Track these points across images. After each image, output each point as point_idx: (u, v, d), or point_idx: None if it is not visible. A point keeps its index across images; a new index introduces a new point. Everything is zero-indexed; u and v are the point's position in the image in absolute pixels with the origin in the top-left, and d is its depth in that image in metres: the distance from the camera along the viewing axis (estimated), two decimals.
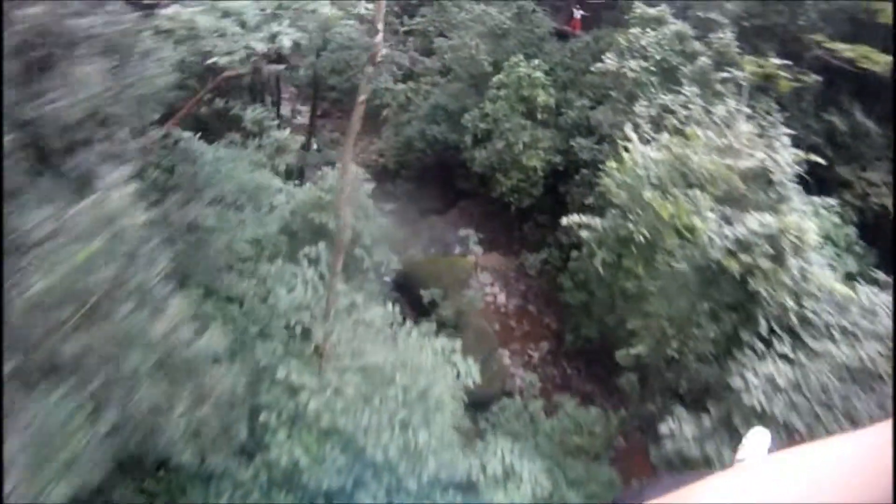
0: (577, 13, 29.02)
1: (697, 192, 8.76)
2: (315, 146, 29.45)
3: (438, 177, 29.48)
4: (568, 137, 24.23)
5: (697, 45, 16.82)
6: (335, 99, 35.15)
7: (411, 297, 24.01)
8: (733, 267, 8.02)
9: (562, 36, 28.32)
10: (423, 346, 10.74)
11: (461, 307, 21.29)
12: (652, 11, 19.00)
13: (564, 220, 11.04)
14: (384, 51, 21.11)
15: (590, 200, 19.54)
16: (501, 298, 24.70)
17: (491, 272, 26.20)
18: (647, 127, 15.54)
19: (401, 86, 30.67)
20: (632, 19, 21.64)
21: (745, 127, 10.76)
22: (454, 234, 27.72)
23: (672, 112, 15.34)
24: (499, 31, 26.56)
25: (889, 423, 0.72)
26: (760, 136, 10.72)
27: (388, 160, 30.79)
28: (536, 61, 24.45)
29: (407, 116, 29.73)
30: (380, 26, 8.42)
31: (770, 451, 1.92)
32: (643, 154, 9.29)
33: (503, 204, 24.96)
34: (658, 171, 9.21)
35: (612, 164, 9.06)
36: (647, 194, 8.70)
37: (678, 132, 11.22)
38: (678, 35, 16.83)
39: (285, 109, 34.70)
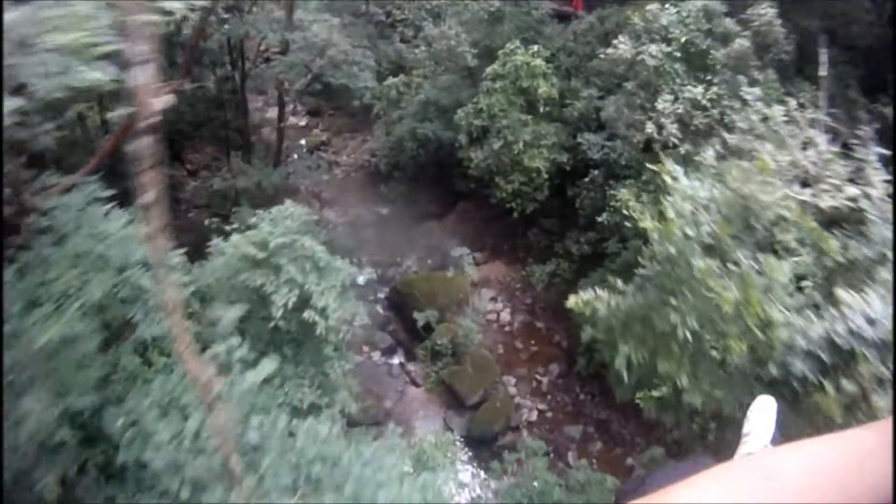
0: None
1: (773, 259, 5.57)
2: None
3: (435, 178, 26.15)
4: (574, 132, 20.72)
5: (730, 24, 13.26)
6: (326, 96, 31.90)
7: (405, 319, 20.99)
8: (826, 404, 4.89)
9: (562, 17, 24.57)
10: None
11: (458, 336, 18.17)
12: None
13: (570, 302, 7.72)
14: (345, 46, 17.75)
15: (603, 217, 16.18)
16: (506, 315, 21.55)
17: (494, 284, 23.03)
18: (672, 128, 12.13)
19: (391, 80, 27.24)
20: None
21: (823, 142, 7.45)
22: (452, 243, 24.52)
23: (704, 109, 11.93)
24: (490, 15, 22.92)
25: (888, 423, 0.68)
26: (843, 154, 7.40)
27: (381, 161, 27.49)
28: (535, 47, 20.83)
29: (398, 113, 26.33)
30: None
31: (777, 419, 1.76)
32: (691, 195, 6.03)
33: (506, 207, 21.65)
34: (712, 220, 5.99)
35: (645, 221, 5.84)
36: (699, 265, 5.53)
37: (728, 148, 7.85)
38: (706, 11, 13.29)
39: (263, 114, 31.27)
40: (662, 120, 11.89)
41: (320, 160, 30.88)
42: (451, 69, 24.66)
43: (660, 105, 12.21)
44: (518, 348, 20.66)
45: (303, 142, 33.01)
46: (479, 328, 19.95)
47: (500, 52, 20.98)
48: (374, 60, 27.51)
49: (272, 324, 10.10)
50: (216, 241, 11.04)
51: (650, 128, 12.45)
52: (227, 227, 11.78)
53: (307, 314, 10.27)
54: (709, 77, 12.51)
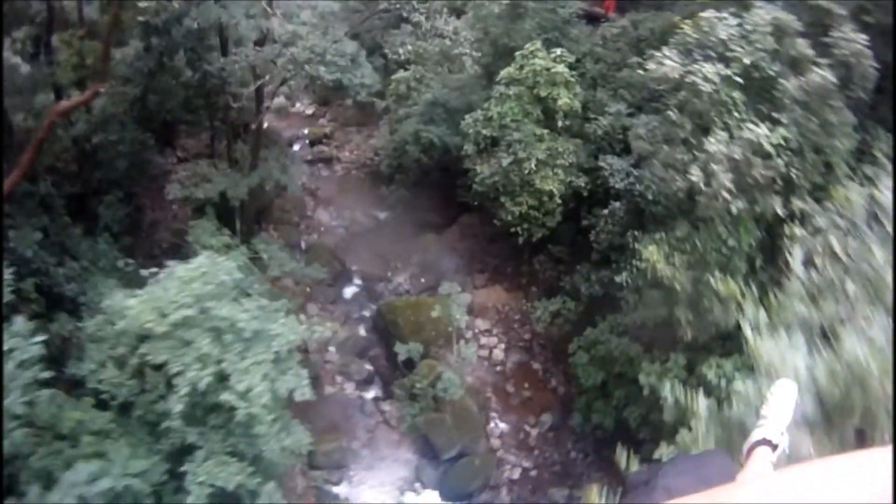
0: None
1: None
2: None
3: (439, 185, 23.12)
4: (596, 152, 17.53)
5: (804, 47, 9.95)
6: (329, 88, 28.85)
7: (388, 346, 18.15)
8: None
9: (591, 19, 21.22)
10: None
11: (439, 384, 15.27)
12: None
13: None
14: (337, 37, 14.62)
15: (622, 277, 13.10)
16: (499, 352, 18.65)
17: (491, 314, 20.09)
18: (725, 179, 9.01)
19: (401, 73, 24.13)
20: None
21: None
22: (450, 262, 21.58)
23: (768, 157, 8.84)
24: (511, 10, 19.66)
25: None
26: None
27: (383, 161, 24.52)
28: (559, 51, 17.58)
29: (405, 111, 23.26)
30: None
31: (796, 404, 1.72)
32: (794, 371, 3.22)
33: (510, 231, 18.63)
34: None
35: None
36: None
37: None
38: (776, 27, 10.00)
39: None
40: (713, 166, 8.81)
41: (322, 154, 28.00)
42: (460, 68, 21.55)
43: (711, 146, 9.06)
44: (509, 392, 17.78)
45: (306, 131, 30.09)
46: (469, 367, 17.09)
47: (518, 53, 17.81)
48: (381, 54, 24.50)
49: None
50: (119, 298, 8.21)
51: (696, 174, 9.36)
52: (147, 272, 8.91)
53: (225, 397, 7.49)
54: (775, 114, 9.33)
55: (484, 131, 17.78)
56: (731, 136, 9.08)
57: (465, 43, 19.98)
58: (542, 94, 16.92)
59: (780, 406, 1.74)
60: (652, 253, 9.91)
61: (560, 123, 17.26)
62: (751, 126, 8.96)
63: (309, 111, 31.63)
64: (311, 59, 14.44)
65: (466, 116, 18.59)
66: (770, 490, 0.75)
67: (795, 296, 4.43)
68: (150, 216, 22.66)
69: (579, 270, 17.82)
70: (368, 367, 18.26)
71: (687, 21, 11.41)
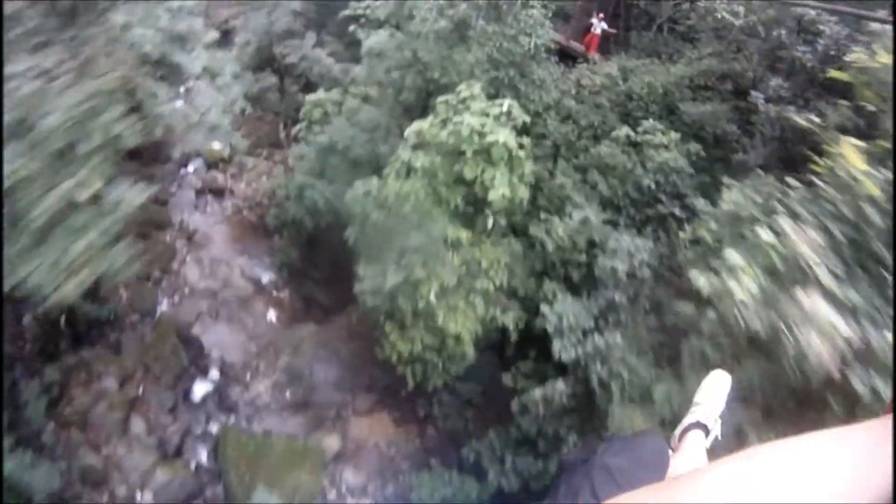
0: (598, 24, 14.46)
1: None
2: None
3: (335, 249, 15.70)
4: (543, 272, 10.31)
5: None
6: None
7: (228, 489, 10.85)
8: None
9: (565, 55, 13.97)
10: None
11: None
12: None
13: None
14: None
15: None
16: None
17: (369, 460, 12.89)
18: None
19: (320, 94, 16.68)
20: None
21: None
22: (329, 370, 14.25)
23: None
24: (452, 31, 12.25)
25: (870, 424, 0.59)
26: None
27: (269, 210, 17.08)
28: (507, 103, 10.23)
29: (302, 149, 15.76)
30: None
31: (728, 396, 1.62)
32: None
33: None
34: None
35: None
36: None
37: None
38: None
39: None
40: None
41: (214, 183, 20.18)
42: (381, 98, 14.12)
43: None
44: None
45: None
46: None
47: (442, 100, 10.40)
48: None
49: None
50: None
51: None
52: None
53: None
54: None
55: (374, 215, 10.39)
56: None
57: (381, 69, 12.60)
58: (468, 174, 9.57)
59: (713, 394, 1.63)
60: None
61: (490, 223, 9.96)
62: None
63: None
64: None
65: (356, 183, 11.18)
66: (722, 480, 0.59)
67: None
68: None
69: (490, 441, 10.62)
70: None
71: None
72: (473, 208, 10.03)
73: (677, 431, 1.66)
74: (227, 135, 17.41)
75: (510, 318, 9.94)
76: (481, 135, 9.62)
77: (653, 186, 9.60)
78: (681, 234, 8.14)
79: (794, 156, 9.62)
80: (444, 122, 9.92)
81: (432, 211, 9.72)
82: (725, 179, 7.91)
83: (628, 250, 8.50)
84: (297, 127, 17.08)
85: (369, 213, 10.43)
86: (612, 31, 14.27)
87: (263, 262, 17.49)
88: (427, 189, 9.78)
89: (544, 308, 8.91)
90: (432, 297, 9.06)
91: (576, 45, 14.11)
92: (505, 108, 10.09)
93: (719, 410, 1.66)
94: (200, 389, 14.74)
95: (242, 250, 17.93)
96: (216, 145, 21.81)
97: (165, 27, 13.03)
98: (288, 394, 13.91)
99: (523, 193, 9.86)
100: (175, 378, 14.51)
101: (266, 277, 17.18)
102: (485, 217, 9.89)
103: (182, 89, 16.66)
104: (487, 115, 9.96)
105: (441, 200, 9.80)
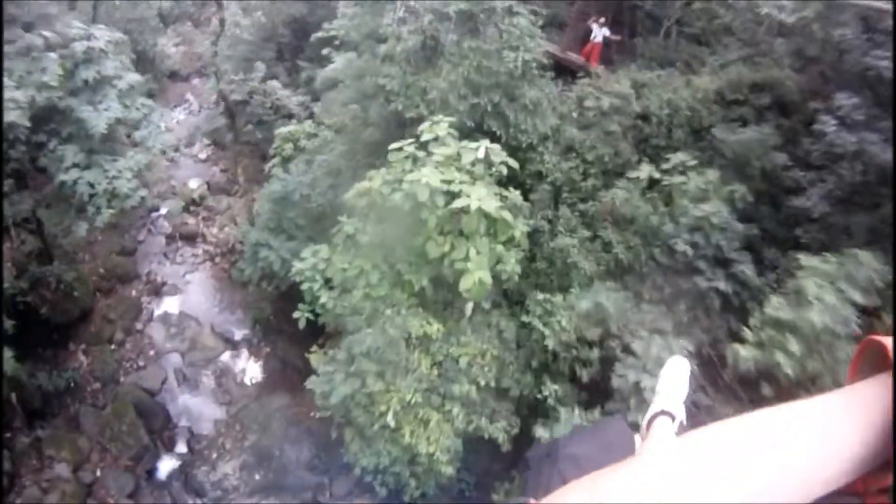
0: (599, 31, 11.48)
1: None
2: None
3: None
4: (545, 365, 7.73)
5: None
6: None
7: None
8: None
9: (564, 70, 11.17)
10: None
11: None
12: None
13: None
14: None
15: None
16: None
17: None
18: None
19: (292, 127, 14.39)
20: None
21: None
22: (301, 451, 11.97)
23: None
24: (422, 45, 9.65)
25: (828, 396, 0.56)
26: None
27: (236, 263, 14.81)
28: (485, 144, 7.66)
29: (267, 189, 13.40)
30: None
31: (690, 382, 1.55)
32: None
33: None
34: None
35: None
36: None
37: None
38: None
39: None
40: None
41: (186, 228, 17.92)
42: (350, 137, 11.62)
43: None
44: None
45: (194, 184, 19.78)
46: None
47: (392, 149, 7.85)
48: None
49: None
50: None
51: None
52: None
53: None
54: None
55: (322, 298, 7.94)
56: None
57: (338, 102, 10.15)
58: (431, 252, 7.02)
59: (674, 382, 1.56)
60: None
61: (469, 309, 7.40)
62: None
63: (203, 154, 21.61)
64: None
65: (305, 251, 8.74)
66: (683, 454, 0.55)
67: None
68: None
69: None
70: None
71: None
72: (447, 289, 7.50)
73: (644, 420, 1.49)
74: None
75: (499, 429, 7.41)
76: (450, 194, 7.07)
77: (689, 252, 6.92)
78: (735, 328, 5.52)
79: (878, 202, 6.83)
80: (400, 181, 7.38)
81: (390, 296, 7.21)
82: (801, 258, 5.25)
83: (658, 356, 5.89)
84: (269, 164, 14.76)
85: (317, 294, 8.00)
86: (616, 37, 11.44)
87: (236, 316, 15.32)
88: (382, 268, 7.27)
89: (539, 430, 6.36)
90: (390, 419, 6.58)
91: (574, 57, 11.31)
92: (481, 154, 7.50)
93: (684, 396, 1.51)
94: (166, 466, 12.79)
95: (214, 304, 15.78)
96: (192, 183, 19.73)
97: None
98: (257, 476, 11.68)
99: (513, 268, 7.27)
100: (136, 457, 12.53)
101: (239, 334, 15.00)
102: (462, 301, 7.35)
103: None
104: (458, 163, 7.40)
105: (401, 283, 7.28)
